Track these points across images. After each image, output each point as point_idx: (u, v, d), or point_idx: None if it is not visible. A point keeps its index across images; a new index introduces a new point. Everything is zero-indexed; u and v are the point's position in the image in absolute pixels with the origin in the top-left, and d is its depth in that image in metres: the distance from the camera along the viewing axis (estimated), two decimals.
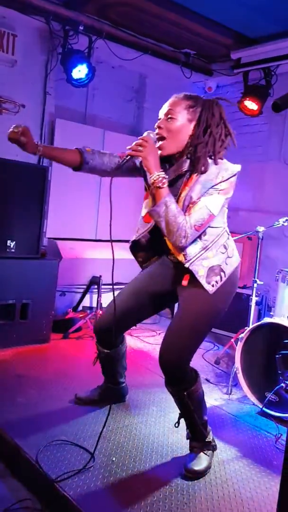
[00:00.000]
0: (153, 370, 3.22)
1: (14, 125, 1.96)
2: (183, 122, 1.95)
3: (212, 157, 1.93)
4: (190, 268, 1.93)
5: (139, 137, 1.93)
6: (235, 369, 2.86)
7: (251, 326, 2.85)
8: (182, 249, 1.91)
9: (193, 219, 1.86)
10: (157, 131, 1.98)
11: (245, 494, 1.95)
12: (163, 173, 1.89)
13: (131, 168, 2.14)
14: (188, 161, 1.94)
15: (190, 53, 4.73)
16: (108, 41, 4.11)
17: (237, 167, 1.96)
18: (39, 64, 4.00)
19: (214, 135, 1.95)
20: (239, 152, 5.25)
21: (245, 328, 2.92)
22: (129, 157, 1.95)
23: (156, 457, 2.14)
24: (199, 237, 1.93)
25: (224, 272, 1.98)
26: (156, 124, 2.00)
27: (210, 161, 1.92)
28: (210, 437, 2.14)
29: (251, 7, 3.55)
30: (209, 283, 1.94)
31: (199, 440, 2.12)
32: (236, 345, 2.91)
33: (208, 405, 2.73)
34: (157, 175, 1.87)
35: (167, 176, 1.90)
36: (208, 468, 2.07)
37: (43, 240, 3.63)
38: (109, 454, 2.10)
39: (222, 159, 1.95)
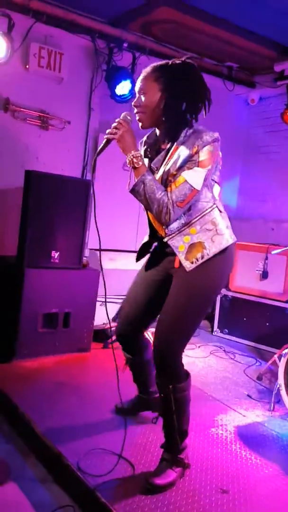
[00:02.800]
0: (193, 383, 3.17)
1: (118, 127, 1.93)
2: (156, 95, 1.90)
3: (188, 124, 1.89)
4: (169, 243, 1.92)
5: (116, 120, 1.93)
6: (278, 386, 2.79)
7: None
8: (167, 226, 1.90)
9: (174, 195, 1.83)
10: (135, 109, 1.97)
11: None
12: (138, 152, 1.89)
13: None
14: (170, 132, 1.92)
15: (233, 66, 4.75)
16: (151, 56, 4.19)
17: (214, 134, 1.87)
18: (84, 81, 4.13)
19: (185, 99, 1.90)
20: (284, 163, 5.21)
21: None
22: (106, 141, 1.94)
23: (196, 471, 2.11)
24: (183, 212, 1.88)
25: (207, 250, 1.89)
26: (133, 103, 1.98)
27: (189, 130, 1.88)
28: (183, 454, 2.04)
29: None
30: (188, 259, 1.89)
31: (171, 451, 2.02)
32: (280, 361, 2.84)
33: (249, 421, 2.71)
34: (131, 155, 1.87)
35: (141, 155, 1.90)
36: (170, 484, 1.94)
37: (85, 251, 3.71)
38: (149, 465, 2.09)
39: (197, 119, 1.90)
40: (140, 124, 1.99)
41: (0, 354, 3.24)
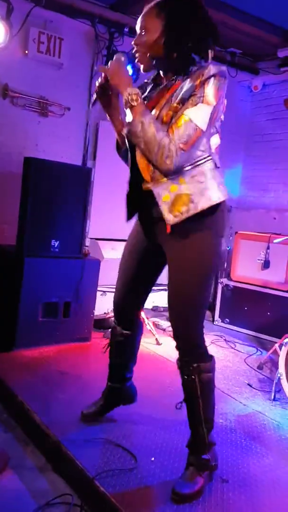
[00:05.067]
0: None
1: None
2: (158, 32, 1.73)
3: (195, 63, 1.71)
4: (153, 189, 1.72)
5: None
6: (279, 375, 2.78)
7: None
8: (168, 173, 1.66)
9: (176, 135, 1.62)
10: (135, 48, 1.80)
11: (287, 502, 1.89)
12: (136, 89, 1.69)
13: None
14: (171, 68, 1.75)
15: (236, 52, 4.67)
16: None
17: (221, 67, 1.68)
18: (84, 67, 4.06)
19: (190, 36, 1.72)
20: (286, 152, 5.14)
21: None
22: (100, 84, 1.82)
23: None
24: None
25: (194, 204, 1.69)
26: (133, 41, 1.81)
27: (193, 67, 1.70)
28: (209, 455, 1.88)
29: None
30: (171, 212, 1.69)
31: (197, 449, 1.88)
32: (280, 350, 2.83)
33: (250, 410, 2.71)
34: (127, 93, 1.67)
35: (138, 92, 1.69)
36: (198, 493, 1.80)
37: (85, 240, 3.68)
38: (148, 454, 2.09)
39: (206, 60, 1.71)
40: (141, 66, 1.82)
41: (0, 343, 3.23)
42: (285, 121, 4.85)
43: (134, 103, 1.67)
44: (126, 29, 3.91)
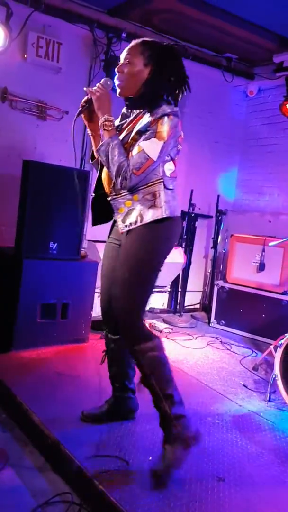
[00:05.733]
0: (189, 373, 3.23)
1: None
2: (139, 67, 2.03)
3: (165, 100, 2.00)
4: (111, 202, 2.06)
5: (97, 84, 2.06)
6: (274, 376, 2.82)
7: None
8: (123, 189, 1.99)
9: (132, 162, 1.93)
10: (117, 75, 2.07)
11: (282, 500, 1.92)
12: (112, 118, 2.01)
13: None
14: (141, 102, 2.06)
15: (232, 57, 4.72)
16: None
17: (174, 108, 1.97)
18: (82, 71, 4.10)
19: (167, 80, 2.03)
20: (282, 155, 5.20)
21: (285, 334, 2.88)
22: (86, 101, 2.08)
23: (192, 459, 2.13)
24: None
25: (141, 217, 2.00)
26: (116, 68, 2.09)
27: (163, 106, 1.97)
28: (178, 429, 1.96)
29: None
30: (123, 222, 2.03)
31: (166, 425, 1.98)
32: (275, 351, 2.87)
33: (245, 411, 2.75)
34: (104, 118, 1.99)
35: (113, 120, 2.01)
36: (170, 466, 1.92)
37: (83, 242, 3.72)
38: (146, 453, 2.12)
39: (174, 105, 2.00)
40: (118, 90, 2.09)
41: None
42: (280, 125, 4.91)
43: (107, 128, 1.99)
44: (123, 34, 3.95)
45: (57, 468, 2.09)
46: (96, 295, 3.72)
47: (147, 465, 2.03)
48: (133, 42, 2.08)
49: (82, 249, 3.66)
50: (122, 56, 2.08)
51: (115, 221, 2.20)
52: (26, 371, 2.92)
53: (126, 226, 2.03)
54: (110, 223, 2.28)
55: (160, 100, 1.98)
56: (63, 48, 3.84)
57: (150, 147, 1.92)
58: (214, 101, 4.89)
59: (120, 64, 2.07)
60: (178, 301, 4.83)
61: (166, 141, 1.94)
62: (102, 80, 2.07)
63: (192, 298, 5.22)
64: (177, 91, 2.04)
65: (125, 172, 1.92)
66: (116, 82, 2.08)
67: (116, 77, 2.08)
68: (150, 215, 1.99)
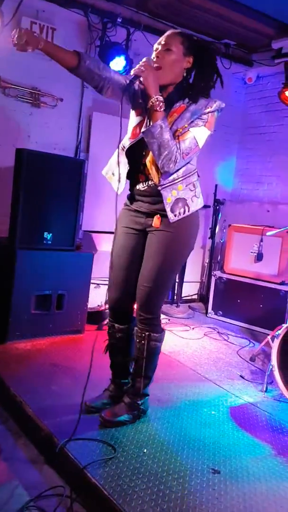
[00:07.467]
0: (186, 364, 3.20)
1: (16, 35, 1.85)
2: (179, 56, 2.04)
3: (202, 92, 2.07)
4: (162, 191, 2.05)
5: (140, 62, 1.97)
6: (271, 367, 2.80)
7: None
8: (167, 174, 2.02)
9: (183, 146, 1.97)
10: (155, 60, 2.03)
11: (278, 492, 1.90)
12: (161, 97, 1.97)
13: (132, 92, 2.15)
14: (179, 92, 2.07)
15: (230, 44, 4.64)
16: (146, 32, 4.07)
17: (222, 103, 2.06)
18: None
19: (207, 72, 2.11)
20: (281, 144, 5.14)
21: (282, 325, 2.85)
22: (134, 76, 1.97)
23: (188, 451, 2.12)
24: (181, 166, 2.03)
25: (188, 207, 2.09)
26: (155, 53, 2.05)
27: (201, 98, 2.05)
28: (141, 402, 2.28)
29: None
30: (173, 212, 2.06)
31: (132, 394, 2.26)
32: (273, 342, 2.84)
33: (242, 401, 2.73)
34: (156, 98, 1.95)
35: (163, 100, 1.97)
36: (120, 423, 2.20)
37: (78, 232, 3.67)
38: (140, 446, 2.10)
39: (209, 96, 2.09)
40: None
41: None
42: (279, 113, 4.84)
43: (158, 109, 1.95)
44: (119, 19, 3.86)
45: (51, 461, 2.07)
46: (92, 286, 3.68)
47: (143, 458, 2.01)
48: (170, 32, 2.07)
49: (78, 240, 3.62)
50: (160, 42, 2.06)
51: (130, 210, 2.25)
52: (21, 362, 2.89)
53: (175, 216, 2.06)
54: (110, 212, 2.24)
55: (208, 93, 2.06)
56: (57, 33, 3.76)
57: (200, 134, 2.00)
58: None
59: (158, 50, 2.05)
60: (176, 292, 4.79)
61: (211, 132, 2.04)
62: (145, 58, 1.99)
63: (190, 289, 5.19)
64: (209, 90, 2.10)
65: (175, 156, 1.95)
66: (155, 66, 2.01)
67: (154, 61, 2.01)
68: (194, 205, 2.11)
